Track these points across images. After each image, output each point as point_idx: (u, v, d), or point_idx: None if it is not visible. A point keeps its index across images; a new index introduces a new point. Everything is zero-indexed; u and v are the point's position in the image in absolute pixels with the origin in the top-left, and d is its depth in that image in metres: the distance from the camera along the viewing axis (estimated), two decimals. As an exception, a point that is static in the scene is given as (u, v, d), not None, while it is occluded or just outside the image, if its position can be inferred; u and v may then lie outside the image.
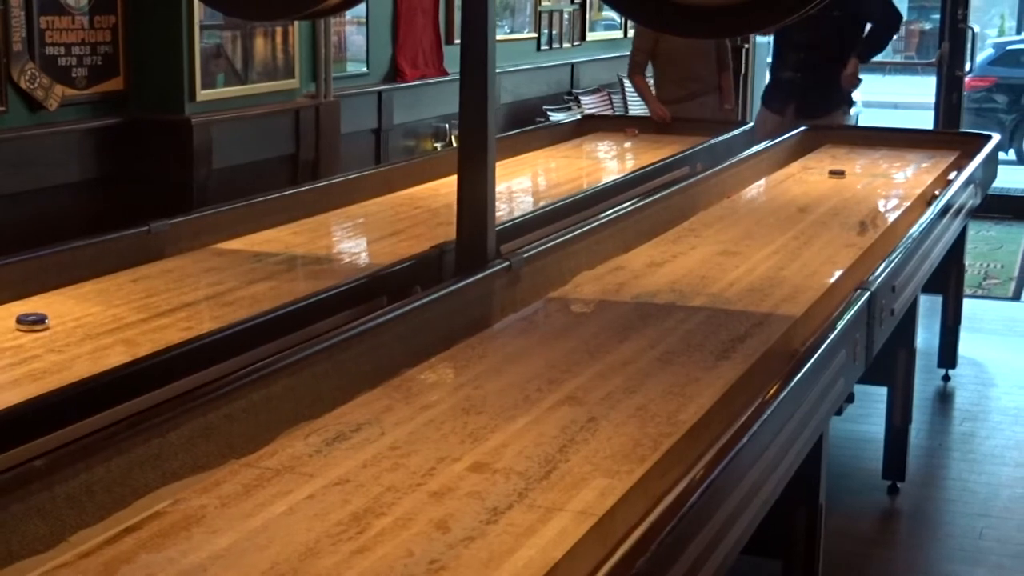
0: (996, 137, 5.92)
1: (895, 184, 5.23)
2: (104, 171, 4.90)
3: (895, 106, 16.02)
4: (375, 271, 3.55)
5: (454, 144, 7.01)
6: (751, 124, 6.94)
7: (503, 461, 2.22)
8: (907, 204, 4.66)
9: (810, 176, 5.33)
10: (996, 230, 9.11)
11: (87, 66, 4.85)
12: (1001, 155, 6.00)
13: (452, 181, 3.45)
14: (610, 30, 10.15)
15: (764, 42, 9.75)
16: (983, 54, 14.13)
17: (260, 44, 5.59)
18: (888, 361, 4.12)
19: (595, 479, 2.14)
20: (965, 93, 8.49)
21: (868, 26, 6.68)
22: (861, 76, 6.74)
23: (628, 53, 7.38)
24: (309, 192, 4.70)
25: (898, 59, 20.14)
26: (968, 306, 6.01)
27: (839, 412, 3.08)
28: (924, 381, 5.34)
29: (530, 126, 7.35)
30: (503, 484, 2.12)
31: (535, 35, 8.95)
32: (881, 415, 4.47)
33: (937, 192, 4.63)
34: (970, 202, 5.06)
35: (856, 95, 7.02)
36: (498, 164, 3.53)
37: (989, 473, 4.66)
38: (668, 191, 4.49)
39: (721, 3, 3.08)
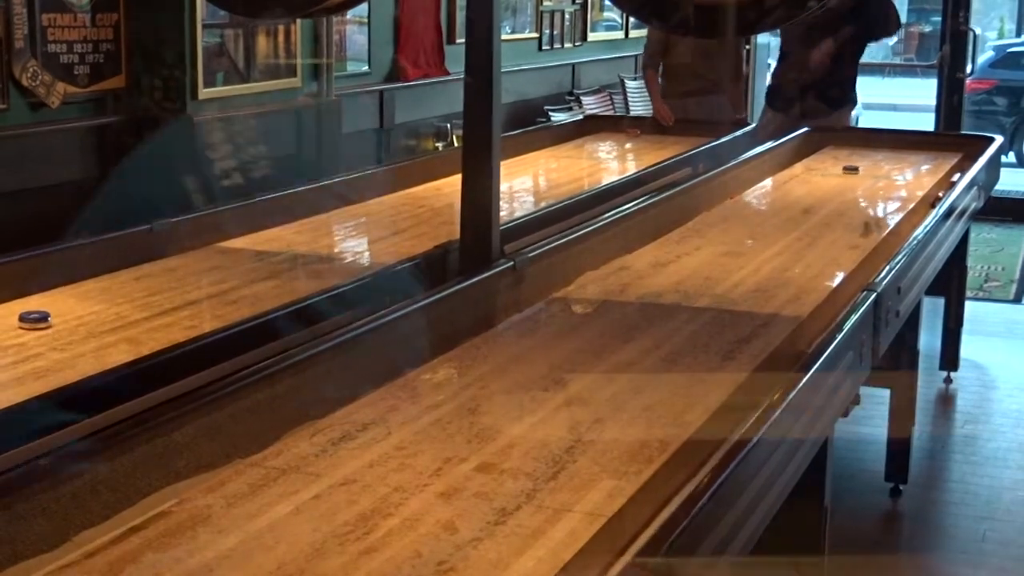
0: (999, 139, 5.90)
1: (899, 186, 5.22)
2: (106, 169, 4.89)
3: (894, 108, 16.02)
4: (378, 270, 3.54)
5: (456, 144, 7.03)
6: (754, 125, 6.93)
7: (510, 462, 2.21)
8: (911, 206, 4.65)
9: (820, 174, 5.32)
10: (997, 232, 9.11)
11: (89, 64, 4.84)
12: (1001, 158, 5.99)
13: (454, 181, 3.44)
14: (611, 30, 10.14)
15: (764, 43, 9.76)
16: (983, 56, 14.13)
17: (262, 43, 5.58)
18: (891, 363, 4.11)
19: (603, 480, 2.13)
20: (965, 95, 8.47)
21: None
22: (860, 78, 6.73)
23: (628, 53, 7.36)
24: (311, 191, 4.68)
25: (898, 61, 20.15)
26: (969, 308, 6.00)
27: (845, 414, 3.07)
28: (926, 384, 5.33)
29: (531, 126, 7.34)
30: (511, 485, 2.11)
31: (536, 35, 8.95)
32: (883, 417, 4.47)
33: (941, 194, 4.62)
34: (973, 204, 5.05)
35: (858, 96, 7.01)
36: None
37: (991, 476, 4.65)
38: (672, 191, 4.47)
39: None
